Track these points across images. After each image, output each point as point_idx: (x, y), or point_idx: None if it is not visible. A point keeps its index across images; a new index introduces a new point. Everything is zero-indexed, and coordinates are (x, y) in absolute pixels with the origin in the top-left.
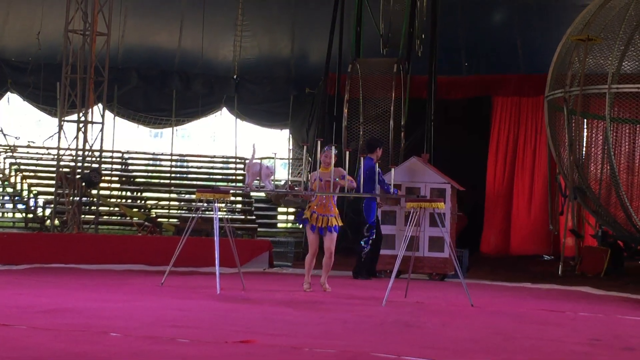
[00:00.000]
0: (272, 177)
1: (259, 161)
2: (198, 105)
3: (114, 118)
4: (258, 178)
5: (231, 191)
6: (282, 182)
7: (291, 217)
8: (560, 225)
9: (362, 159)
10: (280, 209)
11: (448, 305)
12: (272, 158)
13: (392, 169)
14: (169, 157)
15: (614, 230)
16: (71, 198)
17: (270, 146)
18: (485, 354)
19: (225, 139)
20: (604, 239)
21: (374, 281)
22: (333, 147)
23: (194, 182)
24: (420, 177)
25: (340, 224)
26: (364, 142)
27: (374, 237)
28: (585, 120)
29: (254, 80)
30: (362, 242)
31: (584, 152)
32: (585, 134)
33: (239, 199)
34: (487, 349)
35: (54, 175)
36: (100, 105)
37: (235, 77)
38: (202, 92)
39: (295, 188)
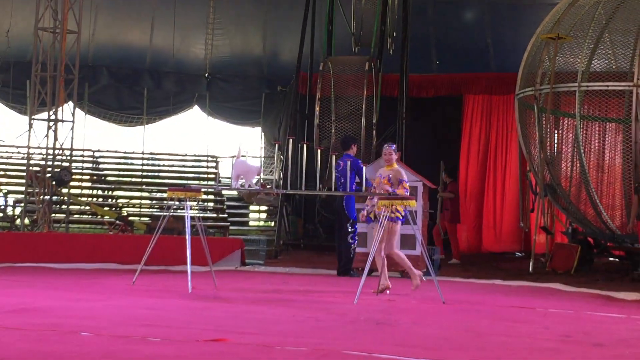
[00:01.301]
0: (257, 176)
1: (244, 159)
2: (169, 104)
3: (85, 116)
4: (242, 177)
5: (203, 189)
6: (254, 181)
7: (263, 215)
8: (531, 222)
9: (333, 157)
10: (252, 207)
11: (419, 302)
12: (244, 156)
13: (364, 167)
14: (141, 156)
15: (584, 227)
16: (41, 197)
17: (242, 144)
18: (456, 351)
19: (197, 137)
20: (574, 236)
21: (347, 279)
22: (392, 145)
23: (166, 181)
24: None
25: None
26: (339, 139)
27: (357, 231)
28: (555, 118)
29: (226, 78)
30: (349, 239)
31: (554, 150)
32: (555, 131)
33: (211, 197)
34: (458, 346)
35: (24, 174)
36: (70, 103)
37: (207, 75)
38: (174, 90)
39: (267, 186)
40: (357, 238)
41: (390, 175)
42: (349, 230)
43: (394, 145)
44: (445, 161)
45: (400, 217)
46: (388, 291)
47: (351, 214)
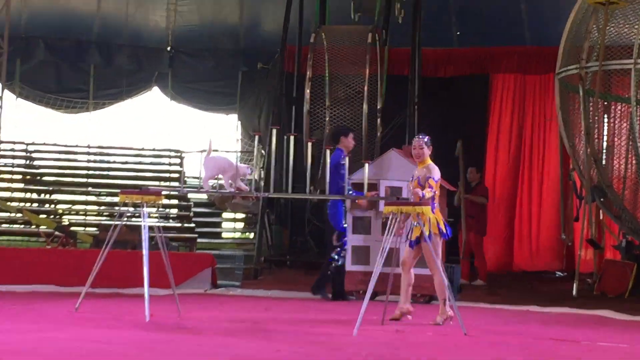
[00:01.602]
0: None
1: (218, 155)
2: (122, 85)
3: (16, 100)
4: (218, 177)
5: (164, 192)
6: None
7: (239, 225)
8: (574, 234)
9: (327, 151)
10: (225, 215)
11: (435, 334)
12: (215, 151)
13: (366, 165)
14: (86, 150)
15: None
16: None
17: (214, 136)
18: None
19: (157, 126)
20: (629, 251)
21: (344, 304)
22: (424, 137)
23: (118, 182)
24: (402, 175)
25: (435, 231)
26: (330, 131)
27: (346, 246)
28: (605, 103)
29: (193, 53)
30: (335, 255)
31: (604, 143)
32: (605, 120)
33: (174, 202)
34: None
35: None
36: None
37: (169, 49)
38: (128, 67)
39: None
40: (343, 254)
41: (420, 176)
42: (335, 244)
43: (427, 137)
44: (464, 141)
45: (444, 233)
46: (410, 316)
47: (337, 224)
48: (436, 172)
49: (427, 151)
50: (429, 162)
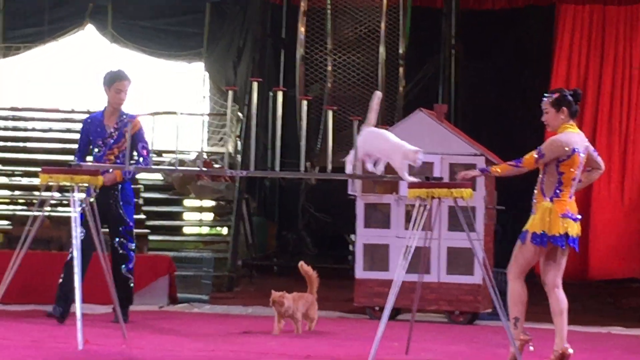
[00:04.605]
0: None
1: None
2: (43, 22)
3: None
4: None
5: (103, 171)
6: (192, 155)
7: (207, 216)
8: None
9: (329, 113)
10: (188, 203)
11: None
12: (173, 113)
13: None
14: None
15: None
16: None
17: (174, 93)
18: None
19: (93, 80)
20: None
21: (349, 325)
22: (550, 95)
23: (38, 157)
24: (433, 145)
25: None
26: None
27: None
28: None
29: None
30: None
31: None
32: None
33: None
34: None
35: None
36: None
37: None
38: None
39: (215, 165)
40: None
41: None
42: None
43: (555, 94)
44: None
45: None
46: (531, 347)
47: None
48: (546, 145)
49: (558, 115)
50: (563, 131)
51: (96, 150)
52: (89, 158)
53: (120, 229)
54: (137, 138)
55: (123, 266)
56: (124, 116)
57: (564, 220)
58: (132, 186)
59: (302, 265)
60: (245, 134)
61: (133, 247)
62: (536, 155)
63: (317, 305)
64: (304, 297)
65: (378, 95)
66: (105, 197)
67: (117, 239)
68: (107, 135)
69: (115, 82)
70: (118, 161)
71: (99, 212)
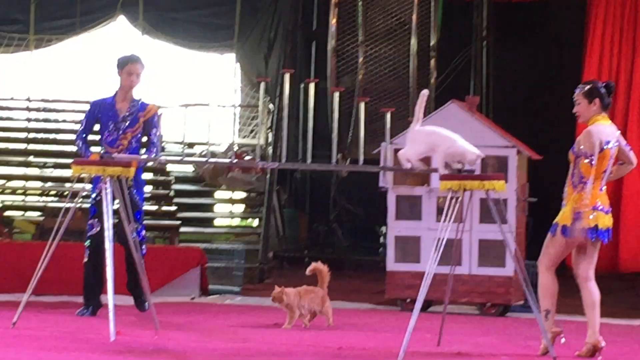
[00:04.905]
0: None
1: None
2: (75, 13)
3: None
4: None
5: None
6: (223, 147)
7: (238, 208)
8: None
9: (361, 104)
10: (218, 194)
11: (511, 359)
12: (205, 105)
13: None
14: (25, 105)
15: None
16: None
17: (204, 85)
18: None
19: None
20: None
21: (380, 317)
22: (583, 86)
23: (69, 148)
24: (465, 137)
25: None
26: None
27: None
28: None
29: None
30: None
31: None
32: None
33: (149, 176)
34: None
35: None
36: None
37: None
38: None
39: (246, 157)
40: None
41: (575, 145)
42: None
43: (588, 85)
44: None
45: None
46: (563, 339)
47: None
48: (592, 139)
49: (590, 106)
50: (594, 122)
51: (107, 133)
52: (93, 144)
53: (136, 213)
54: (152, 124)
55: (138, 253)
56: (137, 102)
57: (595, 213)
58: (162, 178)
59: (312, 264)
60: (276, 126)
61: (144, 234)
62: (586, 161)
63: (329, 300)
64: (313, 292)
65: (425, 93)
66: (120, 183)
67: (132, 225)
68: (119, 119)
69: (127, 64)
70: (130, 146)
71: (113, 200)
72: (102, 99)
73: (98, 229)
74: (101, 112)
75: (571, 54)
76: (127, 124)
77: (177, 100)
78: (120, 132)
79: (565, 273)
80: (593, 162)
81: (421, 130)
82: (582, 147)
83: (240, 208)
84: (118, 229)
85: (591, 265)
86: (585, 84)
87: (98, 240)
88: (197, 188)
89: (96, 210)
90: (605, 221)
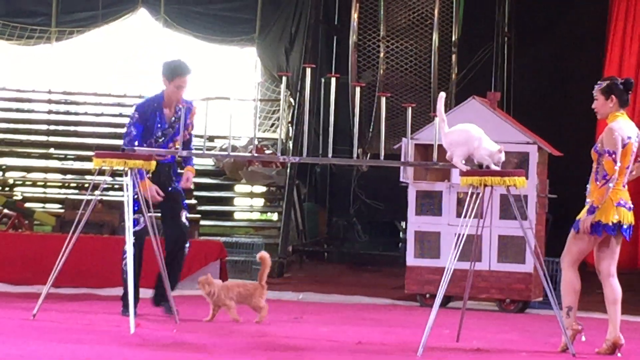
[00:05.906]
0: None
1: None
2: (97, 6)
3: None
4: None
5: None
6: (243, 141)
7: (258, 202)
8: None
9: (382, 99)
10: (238, 188)
11: (531, 355)
12: (226, 99)
13: (437, 119)
14: (47, 97)
15: None
16: None
17: (225, 78)
18: None
19: (145, 64)
20: None
21: (400, 312)
22: (601, 83)
23: (90, 141)
24: (486, 134)
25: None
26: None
27: None
28: None
29: None
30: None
31: None
32: None
33: None
34: None
35: None
36: None
37: None
38: None
39: (266, 151)
40: None
41: (598, 142)
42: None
43: (605, 82)
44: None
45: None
46: (583, 337)
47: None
48: (613, 136)
49: (607, 103)
50: (614, 119)
51: (152, 141)
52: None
53: (184, 203)
54: (191, 124)
55: (187, 245)
56: (180, 104)
57: (617, 209)
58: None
59: (260, 252)
60: (297, 120)
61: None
62: (610, 159)
63: (264, 294)
64: (243, 286)
65: (442, 96)
66: (160, 176)
67: (184, 214)
68: (167, 126)
69: (175, 77)
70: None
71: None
72: (147, 101)
73: (144, 225)
74: (149, 118)
75: (593, 50)
76: (174, 130)
77: (197, 94)
78: (169, 140)
79: (584, 269)
80: (617, 161)
81: (453, 132)
82: (604, 144)
83: (260, 202)
84: (166, 224)
85: (613, 261)
86: (604, 80)
87: (142, 233)
88: (217, 182)
89: (139, 205)
90: (629, 217)
